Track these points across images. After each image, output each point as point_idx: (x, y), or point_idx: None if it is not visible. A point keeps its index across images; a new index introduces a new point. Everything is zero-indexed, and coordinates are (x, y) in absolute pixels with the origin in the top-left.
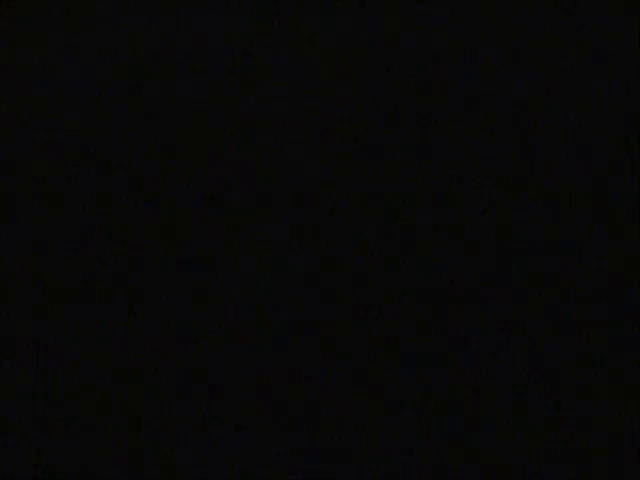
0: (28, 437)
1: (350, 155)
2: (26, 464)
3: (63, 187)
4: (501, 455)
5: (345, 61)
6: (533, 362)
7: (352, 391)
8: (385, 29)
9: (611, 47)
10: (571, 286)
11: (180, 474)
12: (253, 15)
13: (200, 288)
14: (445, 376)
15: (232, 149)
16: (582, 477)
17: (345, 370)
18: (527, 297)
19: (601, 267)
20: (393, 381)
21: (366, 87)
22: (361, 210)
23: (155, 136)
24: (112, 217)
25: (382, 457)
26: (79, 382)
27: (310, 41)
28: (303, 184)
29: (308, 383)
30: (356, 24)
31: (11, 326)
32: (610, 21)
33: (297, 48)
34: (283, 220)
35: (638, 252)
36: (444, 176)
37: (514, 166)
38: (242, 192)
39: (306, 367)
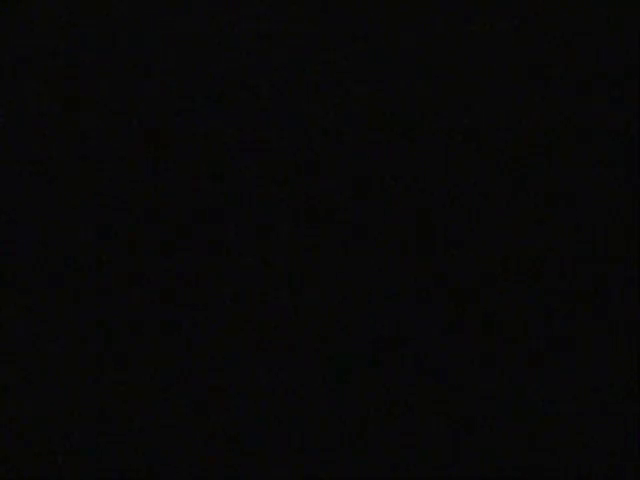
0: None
1: (349, 154)
2: (25, 464)
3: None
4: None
5: (346, 61)
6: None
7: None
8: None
9: (613, 48)
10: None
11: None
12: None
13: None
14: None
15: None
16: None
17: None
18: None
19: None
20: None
21: (366, 87)
22: (360, 208)
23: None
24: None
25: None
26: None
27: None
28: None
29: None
30: (356, 24)
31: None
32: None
33: (296, 48)
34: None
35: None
36: (442, 176)
37: (514, 169)
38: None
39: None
